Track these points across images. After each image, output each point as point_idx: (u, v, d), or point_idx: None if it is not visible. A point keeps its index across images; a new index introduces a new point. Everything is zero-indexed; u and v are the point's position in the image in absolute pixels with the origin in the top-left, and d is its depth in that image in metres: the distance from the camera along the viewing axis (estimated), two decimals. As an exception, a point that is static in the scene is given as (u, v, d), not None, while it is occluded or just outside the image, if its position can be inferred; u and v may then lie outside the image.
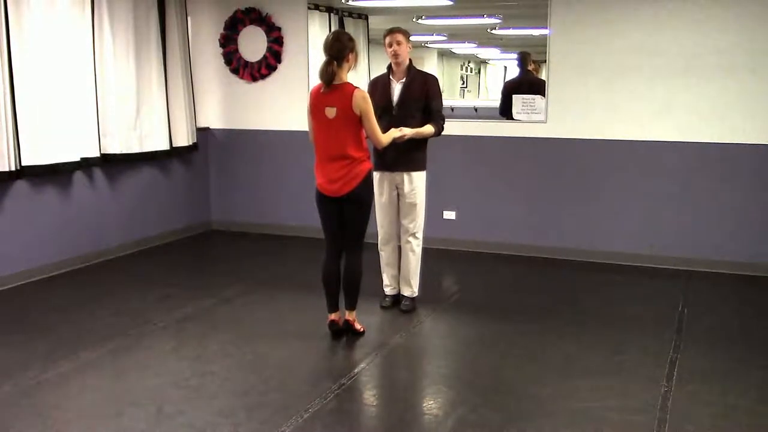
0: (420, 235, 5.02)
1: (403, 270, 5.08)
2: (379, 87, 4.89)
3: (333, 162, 4.32)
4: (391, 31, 4.76)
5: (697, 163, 6.05)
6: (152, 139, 6.71)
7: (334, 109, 4.23)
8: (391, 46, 4.75)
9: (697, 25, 5.89)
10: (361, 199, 4.39)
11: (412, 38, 4.85)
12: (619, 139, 6.23)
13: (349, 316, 4.58)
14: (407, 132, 4.67)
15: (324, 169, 4.37)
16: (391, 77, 4.87)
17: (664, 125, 6.09)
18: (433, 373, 4.25)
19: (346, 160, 4.29)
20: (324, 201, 4.43)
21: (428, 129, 4.79)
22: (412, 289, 5.09)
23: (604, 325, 4.82)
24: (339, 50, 4.22)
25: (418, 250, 5.04)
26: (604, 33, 6.15)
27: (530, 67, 6.86)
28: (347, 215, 4.42)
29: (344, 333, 4.57)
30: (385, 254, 5.11)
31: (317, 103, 4.29)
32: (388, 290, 5.17)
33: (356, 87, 4.27)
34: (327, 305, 4.57)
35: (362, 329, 4.60)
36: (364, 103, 4.23)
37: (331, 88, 4.24)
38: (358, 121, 4.27)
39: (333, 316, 4.56)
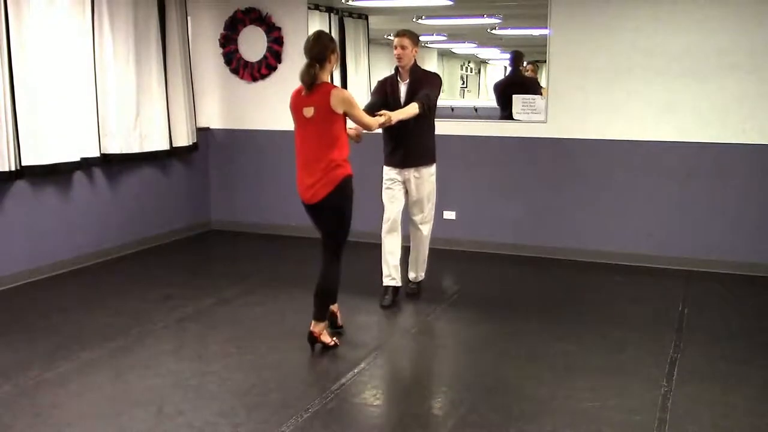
0: (431, 224, 5.19)
1: (412, 254, 5.26)
2: (388, 87, 5.00)
3: (309, 165, 4.20)
4: (399, 34, 4.90)
5: (697, 163, 6.05)
6: (152, 139, 6.70)
7: (312, 108, 4.15)
8: (396, 48, 4.90)
9: (697, 25, 5.89)
10: (334, 207, 4.20)
11: None
12: (619, 139, 6.23)
13: (315, 327, 4.24)
14: (391, 115, 4.63)
15: (301, 173, 4.26)
16: (398, 78, 4.99)
17: (664, 125, 6.08)
18: (433, 373, 4.25)
19: (322, 162, 4.15)
20: (306, 208, 4.32)
21: (412, 108, 4.75)
22: (419, 273, 5.28)
23: (604, 325, 4.82)
24: (320, 52, 4.14)
25: (428, 239, 5.22)
26: (604, 33, 6.15)
27: (524, 67, 6.94)
28: (323, 223, 4.27)
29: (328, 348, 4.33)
30: (389, 243, 5.07)
31: (296, 104, 4.24)
32: (387, 281, 5.11)
33: (334, 86, 4.23)
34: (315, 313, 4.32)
35: (332, 343, 4.29)
36: (345, 99, 4.15)
37: (311, 90, 4.17)
38: (338, 120, 4.16)
39: (311, 327, 4.29)
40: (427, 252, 5.29)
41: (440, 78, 5.08)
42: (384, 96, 4.96)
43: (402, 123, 4.76)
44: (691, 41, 5.91)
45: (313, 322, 4.27)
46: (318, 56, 4.14)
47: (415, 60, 4.94)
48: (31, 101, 5.49)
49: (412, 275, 5.32)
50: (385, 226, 5.09)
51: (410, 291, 5.30)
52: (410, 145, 4.94)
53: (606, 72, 6.18)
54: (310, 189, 4.20)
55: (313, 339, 4.27)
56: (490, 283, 5.94)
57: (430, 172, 5.05)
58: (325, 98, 4.11)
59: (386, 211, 5.08)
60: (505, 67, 7.89)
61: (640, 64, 6.06)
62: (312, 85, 4.14)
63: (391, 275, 5.13)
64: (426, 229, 5.20)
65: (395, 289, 5.14)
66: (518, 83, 6.83)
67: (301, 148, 4.26)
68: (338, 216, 4.22)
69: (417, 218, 5.14)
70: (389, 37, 6.31)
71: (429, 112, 4.85)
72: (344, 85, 6.90)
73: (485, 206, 6.69)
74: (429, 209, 5.15)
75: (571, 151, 6.37)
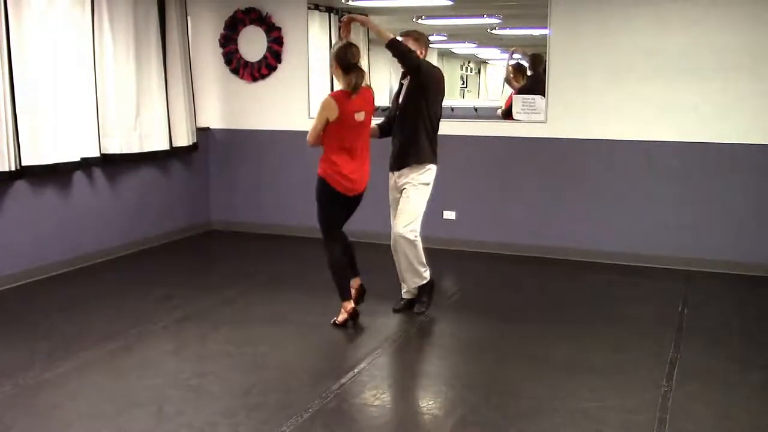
0: (412, 235, 4.72)
1: (401, 266, 4.91)
2: (397, 88, 4.96)
3: (360, 163, 4.60)
4: (403, 35, 4.82)
5: (697, 163, 6.05)
6: (152, 139, 6.70)
7: (363, 112, 4.52)
8: None
9: (697, 25, 5.89)
10: (363, 194, 4.73)
11: None
12: (619, 139, 6.23)
13: (357, 283, 4.87)
14: (356, 17, 4.81)
15: (351, 170, 4.56)
16: (403, 80, 4.90)
17: (664, 125, 6.09)
18: (433, 373, 4.26)
19: (366, 159, 4.67)
20: (342, 199, 4.62)
21: (383, 31, 4.65)
22: (409, 283, 4.94)
23: (604, 325, 4.82)
24: (359, 58, 4.51)
25: (411, 251, 4.76)
26: (604, 33, 6.15)
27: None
28: (353, 208, 4.74)
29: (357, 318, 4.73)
30: (397, 261, 4.95)
31: (348, 110, 4.46)
32: (403, 293, 5.05)
33: (370, 87, 4.65)
34: (344, 294, 4.67)
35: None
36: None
37: (356, 93, 4.48)
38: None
39: (353, 304, 4.72)
40: (413, 265, 4.82)
41: (438, 69, 4.86)
42: (394, 105, 4.93)
43: (402, 121, 4.77)
44: (691, 41, 5.91)
45: (355, 280, 4.83)
46: (358, 61, 4.50)
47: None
48: (31, 101, 5.49)
49: (403, 288, 5.00)
50: (392, 242, 4.90)
51: (415, 311, 4.92)
52: (398, 146, 4.81)
53: (606, 72, 6.18)
54: (356, 183, 4.61)
55: (356, 313, 4.70)
56: (490, 283, 5.94)
57: (418, 172, 4.75)
58: (372, 101, 4.62)
59: (392, 225, 4.92)
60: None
61: (640, 64, 6.06)
62: (358, 89, 4.49)
63: (405, 288, 5.06)
64: (405, 244, 4.72)
65: (410, 299, 5.04)
66: (539, 84, 6.54)
67: (351, 148, 4.55)
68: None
69: (397, 228, 4.75)
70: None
71: (399, 49, 4.60)
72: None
73: (485, 206, 6.70)
74: (410, 214, 4.74)
75: (571, 151, 6.37)
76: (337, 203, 4.62)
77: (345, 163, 4.53)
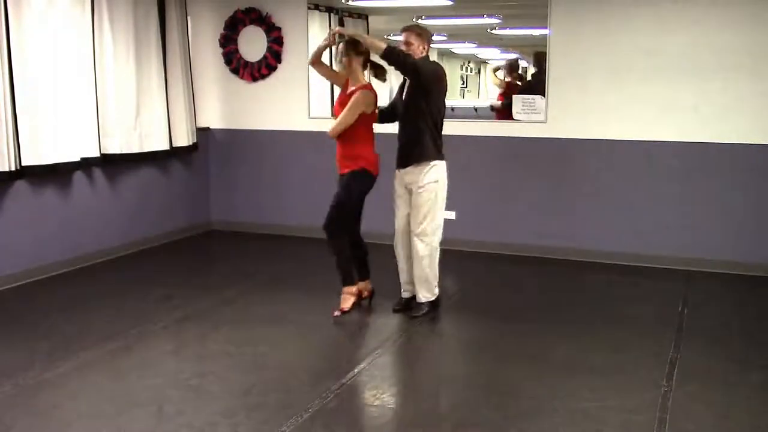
0: (428, 239, 4.79)
1: (413, 272, 4.95)
2: (401, 88, 4.96)
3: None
4: (404, 30, 4.79)
5: (697, 163, 6.05)
6: (152, 139, 6.70)
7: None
8: (401, 45, 4.75)
9: (697, 25, 5.89)
10: None
11: None
12: (619, 139, 6.23)
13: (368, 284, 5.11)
14: (339, 29, 4.98)
15: (375, 154, 4.85)
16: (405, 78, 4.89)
17: (664, 125, 6.09)
18: (433, 373, 4.26)
19: None
20: (373, 183, 4.86)
21: (379, 40, 4.71)
22: (419, 294, 4.93)
23: (604, 325, 4.82)
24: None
25: (426, 254, 4.80)
26: (604, 33, 6.15)
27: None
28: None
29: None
30: (398, 255, 5.01)
31: (377, 102, 4.81)
32: (402, 291, 5.06)
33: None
34: (348, 280, 4.87)
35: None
36: None
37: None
38: None
39: (357, 285, 4.96)
40: (425, 273, 4.85)
41: (439, 66, 4.86)
42: (398, 96, 4.96)
43: (404, 119, 4.78)
44: (691, 41, 5.91)
45: (366, 282, 5.04)
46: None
47: (427, 57, 4.79)
48: (31, 101, 5.49)
49: (402, 287, 5.05)
50: (394, 239, 4.98)
51: (414, 314, 4.89)
52: (401, 142, 4.84)
53: (606, 72, 6.18)
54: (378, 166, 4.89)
55: (361, 294, 4.95)
56: (490, 283, 5.94)
57: (429, 171, 4.75)
58: None
59: (395, 223, 4.98)
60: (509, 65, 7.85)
61: (640, 64, 6.06)
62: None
63: (403, 287, 5.06)
64: (420, 246, 4.79)
65: (409, 298, 5.04)
66: (542, 84, 6.52)
67: (372, 136, 4.86)
68: None
69: (412, 229, 4.83)
70: (389, 37, 6.31)
71: (395, 57, 4.57)
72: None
73: (485, 206, 6.69)
74: (427, 219, 4.77)
75: (571, 151, 6.37)
76: (369, 189, 4.85)
77: (372, 149, 4.84)
